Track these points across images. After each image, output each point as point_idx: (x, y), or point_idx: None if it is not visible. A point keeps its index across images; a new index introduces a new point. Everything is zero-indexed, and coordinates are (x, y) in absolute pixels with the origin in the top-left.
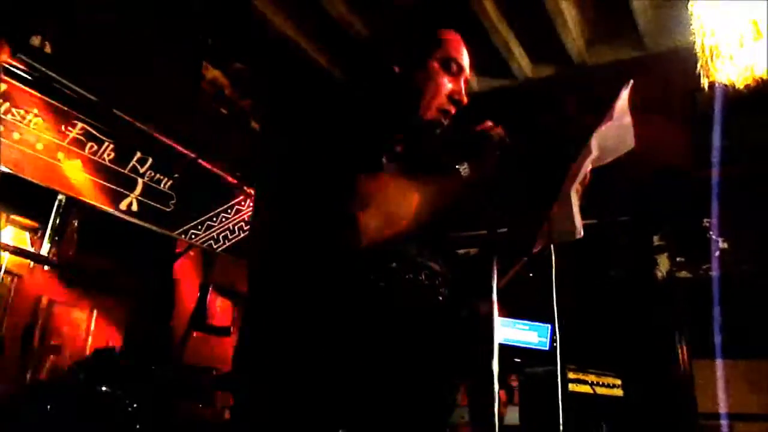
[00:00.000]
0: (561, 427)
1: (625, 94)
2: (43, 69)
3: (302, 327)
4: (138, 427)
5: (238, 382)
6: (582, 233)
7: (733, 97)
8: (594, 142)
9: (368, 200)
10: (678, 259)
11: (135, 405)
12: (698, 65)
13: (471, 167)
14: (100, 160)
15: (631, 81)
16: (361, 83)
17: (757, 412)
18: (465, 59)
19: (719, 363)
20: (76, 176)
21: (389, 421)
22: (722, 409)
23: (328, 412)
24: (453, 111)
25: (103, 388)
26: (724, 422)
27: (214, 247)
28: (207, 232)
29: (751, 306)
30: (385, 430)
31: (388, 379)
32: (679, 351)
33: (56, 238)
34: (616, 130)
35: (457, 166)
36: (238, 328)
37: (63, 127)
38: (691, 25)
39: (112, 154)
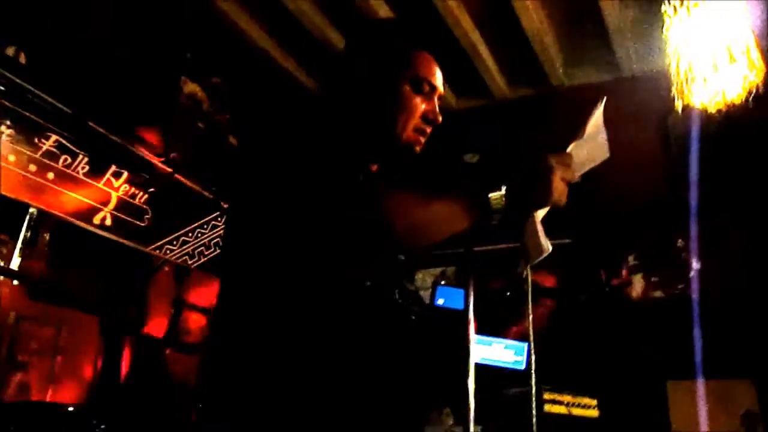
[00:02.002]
0: None
1: (599, 112)
2: (17, 80)
3: (272, 345)
4: None
5: (203, 400)
6: (550, 249)
7: (706, 121)
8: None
9: (394, 209)
10: (653, 279)
11: (103, 426)
12: (672, 88)
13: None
14: (74, 173)
15: (605, 98)
16: (334, 103)
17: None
18: (437, 78)
19: (693, 383)
20: (49, 189)
21: None
22: (695, 429)
23: (296, 428)
24: (429, 131)
25: (70, 409)
26: None
27: (189, 263)
28: (182, 248)
29: (723, 326)
30: None
31: (358, 399)
32: (653, 371)
33: (26, 252)
34: (591, 145)
35: (489, 194)
36: (205, 344)
37: (36, 140)
38: (665, 49)
39: (87, 167)
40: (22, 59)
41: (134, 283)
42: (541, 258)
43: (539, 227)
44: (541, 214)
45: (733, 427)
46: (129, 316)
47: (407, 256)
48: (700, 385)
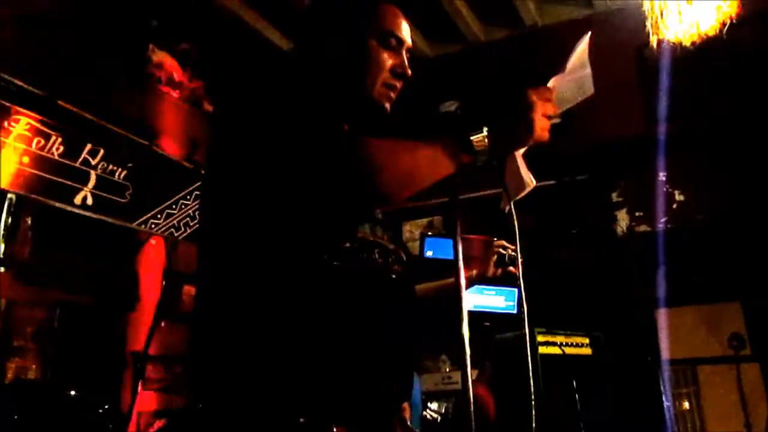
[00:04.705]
0: (532, 391)
1: (582, 46)
2: None
3: (257, 309)
4: (111, 427)
5: (193, 371)
6: (533, 183)
7: (682, 53)
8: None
9: (375, 160)
10: (637, 213)
11: (106, 407)
12: (647, 22)
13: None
14: (48, 155)
15: (589, 32)
16: (303, 63)
17: (718, 355)
18: (404, 31)
19: (681, 310)
20: (25, 173)
21: (349, 404)
22: (686, 354)
23: (287, 397)
24: (399, 85)
25: (72, 393)
26: (688, 367)
27: (176, 234)
28: (167, 221)
29: (709, 253)
30: (345, 413)
31: (346, 360)
32: (642, 302)
33: (10, 238)
34: (574, 82)
35: (471, 137)
36: (192, 314)
37: (6, 124)
38: None
39: (61, 148)
40: None
41: (123, 258)
42: (524, 193)
43: (521, 163)
44: (522, 149)
45: (721, 350)
46: (121, 292)
47: (385, 215)
48: (687, 311)
